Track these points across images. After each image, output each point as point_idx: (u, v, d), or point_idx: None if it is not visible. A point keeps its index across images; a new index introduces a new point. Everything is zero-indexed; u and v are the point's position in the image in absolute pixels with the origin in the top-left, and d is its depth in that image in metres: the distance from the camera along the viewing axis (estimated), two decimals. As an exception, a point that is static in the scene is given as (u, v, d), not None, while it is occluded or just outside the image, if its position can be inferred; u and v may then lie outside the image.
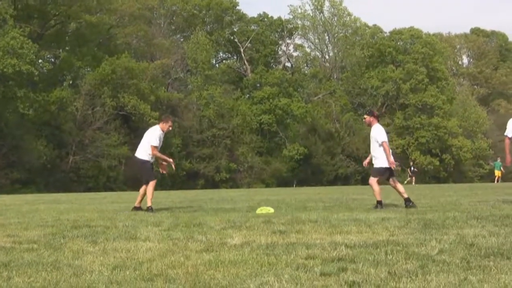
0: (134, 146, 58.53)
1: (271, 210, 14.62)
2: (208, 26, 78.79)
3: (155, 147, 15.96)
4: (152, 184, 15.83)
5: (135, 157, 16.55)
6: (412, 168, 60.79)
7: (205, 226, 10.65)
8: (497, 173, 57.75)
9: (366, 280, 5.68)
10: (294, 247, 7.73)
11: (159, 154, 16.21)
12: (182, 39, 75.32)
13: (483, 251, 7.07)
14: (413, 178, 59.33)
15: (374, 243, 7.97)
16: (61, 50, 61.85)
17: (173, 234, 9.58)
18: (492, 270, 6.03)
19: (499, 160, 61.34)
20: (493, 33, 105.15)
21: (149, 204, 15.62)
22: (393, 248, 7.42)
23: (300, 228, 10.01)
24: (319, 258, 6.92)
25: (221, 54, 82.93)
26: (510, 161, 14.95)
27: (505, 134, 15.40)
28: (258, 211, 14.54)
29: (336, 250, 7.39)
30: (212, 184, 60.33)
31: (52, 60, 63.24)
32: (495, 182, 55.79)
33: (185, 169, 59.89)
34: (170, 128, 16.56)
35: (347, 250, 7.39)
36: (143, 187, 15.92)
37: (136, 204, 16.08)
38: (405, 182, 58.75)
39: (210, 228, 10.42)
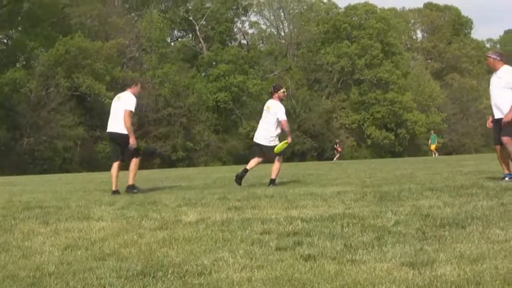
0: (90, 127, 57.70)
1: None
2: (163, 4, 78.25)
3: (131, 112, 14.18)
4: (137, 161, 14.40)
5: (114, 133, 14.37)
6: (336, 145, 61.66)
7: (160, 204, 10.53)
8: (433, 146, 58.31)
9: (322, 253, 5.64)
10: (249, 223, 7.66)
11: (130, 125, 14.14)
12: (136, 18, 74.59)
13: (438, 222, 7.08)
14: (338, 154, 60.16)
15: (330, 216, 7.92)
16: (13, 31, 60.93)
17: (127, 213, 9.46)
18: (448, 239, 6.03)
19: (432, 132, 62.12)
20: (446, 7, 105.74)
21: (131, 182, 14.37)
22: (349, 221, 7.39)
23: (256, 203, 9.93)
24: (275, 232, 6.86)
25: (176, 32, 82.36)
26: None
27: None
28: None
29: (292, 225, 7.34)
30: (168, 163, 60.10)
31: (5, 41, 62.30)
32: (434, 155, 56.20)
33: (141, 149, 59.57)
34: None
35: (303, 224, 7.34)
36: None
37: (130, 182, 14.51)
38: (335, 159, 59.14)
39: (165, 206, 10.29)
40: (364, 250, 5.68)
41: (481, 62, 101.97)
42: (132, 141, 14.19)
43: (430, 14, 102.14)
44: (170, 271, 5.20)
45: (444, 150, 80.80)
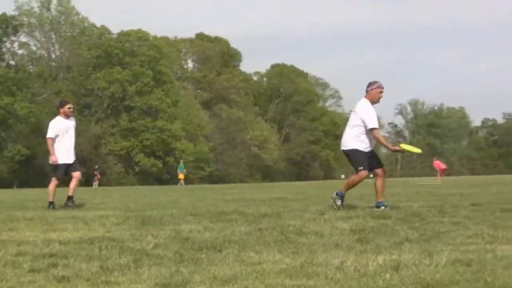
0: None
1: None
2: None
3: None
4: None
5: None
6: (95, 172, 61.70)
7: None
8: (181, 175, 58.96)
9: (77, 275, 5.57)
10: (4, 245, 7.43)
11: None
12: None
13: (196, 245, 7.20)
14: (97, 181, 60.17)
15: (89, 239, 7.87)
16: None
17: None
18: (204, 262, 6.14)
19: (182, 162, 63.09)
20: (217, 39, 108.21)
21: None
22: (107, 244, 7.36)
23: (14, 226, 9.66)
24: (30, 254, 6.70)
25: None
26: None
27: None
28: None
29: (49, 247, 7.20)
30: None
31: None
32: (179, 185, 56.42)
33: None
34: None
35: (60, 247, 7.22)
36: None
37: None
38: (94, 185, 59.01)
39: None
40: (119, 272, 5.67)
41: (248, 94, 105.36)
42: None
43: (201, 45, 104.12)
44: None
45: (210, 179, 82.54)
